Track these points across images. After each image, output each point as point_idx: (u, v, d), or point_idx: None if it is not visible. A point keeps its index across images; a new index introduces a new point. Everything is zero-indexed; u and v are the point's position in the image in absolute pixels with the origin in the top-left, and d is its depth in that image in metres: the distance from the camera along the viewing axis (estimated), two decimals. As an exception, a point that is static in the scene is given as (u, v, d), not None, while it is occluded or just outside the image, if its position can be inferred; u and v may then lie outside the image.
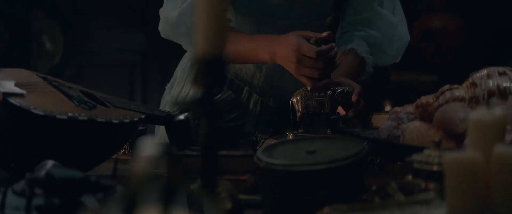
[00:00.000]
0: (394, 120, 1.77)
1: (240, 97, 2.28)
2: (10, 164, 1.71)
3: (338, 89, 1.95)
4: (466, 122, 1.60)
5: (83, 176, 1.30)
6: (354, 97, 1.97)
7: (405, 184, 1.33)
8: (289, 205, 1.37)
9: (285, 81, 2.23)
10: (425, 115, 1.75)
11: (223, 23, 1.06)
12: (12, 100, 1.66)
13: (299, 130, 1.94)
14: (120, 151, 1.95)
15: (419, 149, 1.37)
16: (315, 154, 1.40)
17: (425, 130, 1.70)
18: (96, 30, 4.93)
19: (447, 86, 1.76)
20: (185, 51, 2.34)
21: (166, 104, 2.36)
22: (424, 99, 1.77)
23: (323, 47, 1.95)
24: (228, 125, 2.23)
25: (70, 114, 1.69)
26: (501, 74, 1.73)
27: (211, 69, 1.05)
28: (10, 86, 1.70)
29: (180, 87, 2.34)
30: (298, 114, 1.95)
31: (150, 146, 0.91)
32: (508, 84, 1.71)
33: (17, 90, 1.70)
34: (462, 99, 1.73)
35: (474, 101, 1.72)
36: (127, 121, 1.77)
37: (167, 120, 1.93)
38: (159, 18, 2.20)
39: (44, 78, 1.82)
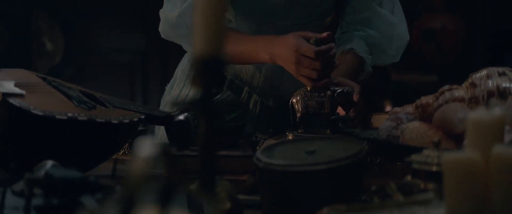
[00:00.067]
0: (393, 120, 1.77)
1: (240, 98, 2.28)
2: (9, 164, 1.71)
3: (338, 89, 1.95)
4: (465, 122, 1.60)
5: (82, 176, 1.30)
6: (355, 97, 1.97)
7: (404, 184, 1.33)
8: (289, 205, 1.37)
9: (285, 82, 2.23)
10: (425, 115, 1.75)
11: (222, 24, 1.06)
12: (12, 100, 1.66)
13: (299, 130, 1.93)
14: (119, 151, 1.95)
15: (418, 149, 1.37)
16: (314, 154, 1.40)
17: (424, 130, 1.70)
18: (96, 30, 4.93)
19: (446, 87, 1.76)
20: (185, 52, 2.34)
21: (166, 104, 2.36)
22: (423, 99, 1.77)
23: (322, 47, 1.95)
24: (228, 125, 2.23)
25: (69, 114, 1.69)
26: (500, 74, 1.73)
27: (210, 70, 1.04)
28: (9, 86, 1.70)
29: (180, 87, 2.34)
30: (298, 114, 1.95)
31: (148, 146, 0.91)
32: (508, 85, 1.70)
33: (17, 90, 1.70)
34: (461, 99, 1.73)
35: (473, 101, 1.72)
36: (127, 121, 1.77)
37: (167, 120, 1.93)
38: (159, 18, 2.20)
39: (44, 79, 1.82)
